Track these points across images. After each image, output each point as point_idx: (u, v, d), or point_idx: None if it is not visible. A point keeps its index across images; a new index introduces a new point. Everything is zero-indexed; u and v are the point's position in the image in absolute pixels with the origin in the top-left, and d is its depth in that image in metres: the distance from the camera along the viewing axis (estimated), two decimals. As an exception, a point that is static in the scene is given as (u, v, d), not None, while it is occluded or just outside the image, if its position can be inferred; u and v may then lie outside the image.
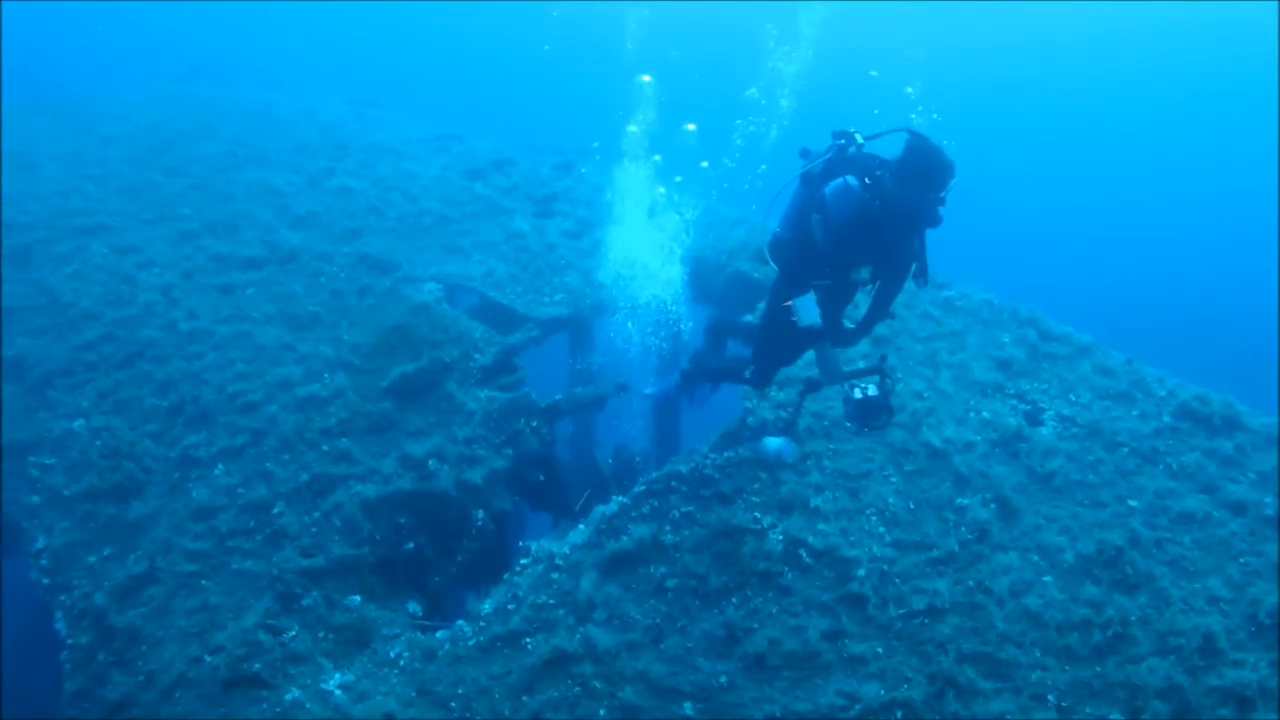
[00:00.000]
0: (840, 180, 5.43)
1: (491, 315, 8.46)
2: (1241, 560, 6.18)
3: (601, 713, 5.37)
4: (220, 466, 7.13)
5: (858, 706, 5.36)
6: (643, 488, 6.57)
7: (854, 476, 6.68)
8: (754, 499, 6.47)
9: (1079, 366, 7.78)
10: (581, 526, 6.44)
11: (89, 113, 13.15)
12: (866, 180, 5.31)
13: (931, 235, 5.59)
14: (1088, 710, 5.33)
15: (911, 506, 6.49)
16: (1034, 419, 7.26)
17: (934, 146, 5.09)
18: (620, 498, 6.59)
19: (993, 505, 6.49)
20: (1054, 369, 7.76)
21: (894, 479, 6.69)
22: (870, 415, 5.75)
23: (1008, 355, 7.83)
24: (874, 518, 6.38)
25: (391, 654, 5.98)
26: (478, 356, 7.70)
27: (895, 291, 5.78)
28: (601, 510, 6.50)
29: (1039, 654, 5.64)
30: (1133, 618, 5.80)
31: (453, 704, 5.56)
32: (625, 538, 6.23)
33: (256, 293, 8.71)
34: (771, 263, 6.01)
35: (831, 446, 6.88)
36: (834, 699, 5.41)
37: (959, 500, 6.53)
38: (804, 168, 5.82)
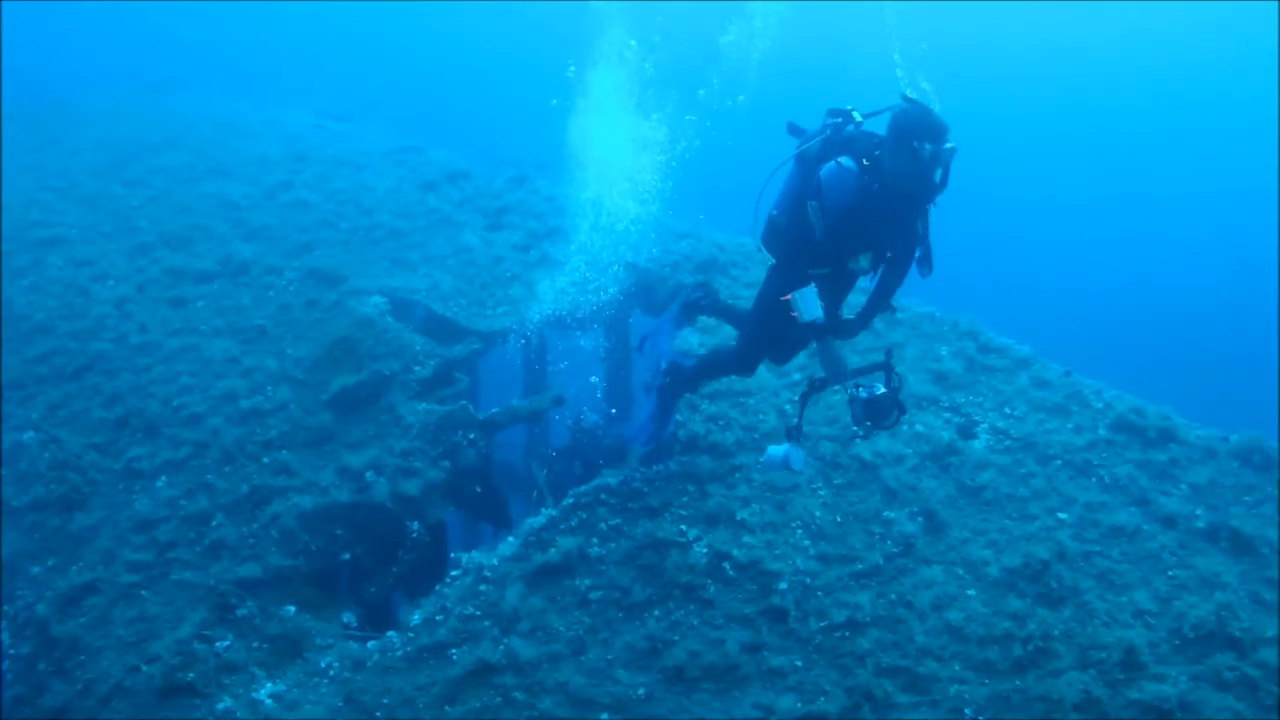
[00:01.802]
0: (833, 163, 5.09)
1: (435, 328, 8.55)
2: (1170, 573, 6.21)
3: (520, 723, 5.47)
4: (163, 478, 7.25)
5: (773, 719, 5.44)
6: (571, 500, 6.65)
7: (782, 490, 6.75)
8: (681, 512, 6.56)
9: (1016, 379, 7.83)
10: (511, 539, 6.52)
11: (60, 122, 13.31)
12: (865, 162, 4.99)
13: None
14: (1004, 723, 5.40)
15: (838, 520, 6.56)
16: (967, 432, 7.32)
17: (925, 107, 4.83)
18: (549, 510, 6.67)
19: (920, 519, 6.55)
20: (990, 381, 7.82)
21: (822, 492, 6.76)
22: (879, 414, 5.32)
23: (945, 368, 7.88)
24: (799, 531, 6.46)
25: (322, 664, 6.09)
26: (417, 369, 7.81)
27: (899, 280, 5.49)
28: (530, 522, 6.58)
29: (958, 668, 5.70)
30: (1055, 631, 5.85)
31: (378, 713, 5.68)
32: (553, 550, 6.32)
33: (207, 306, 8.83)
34: (764, 251, 5.66)
35: (761, 460, 6.94)
36: (750, 712, 5.50)
37: (886, 513, 6.59)
38: (799, 147, 5.47)
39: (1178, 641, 5.78)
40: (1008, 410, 7.53)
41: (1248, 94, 41.50)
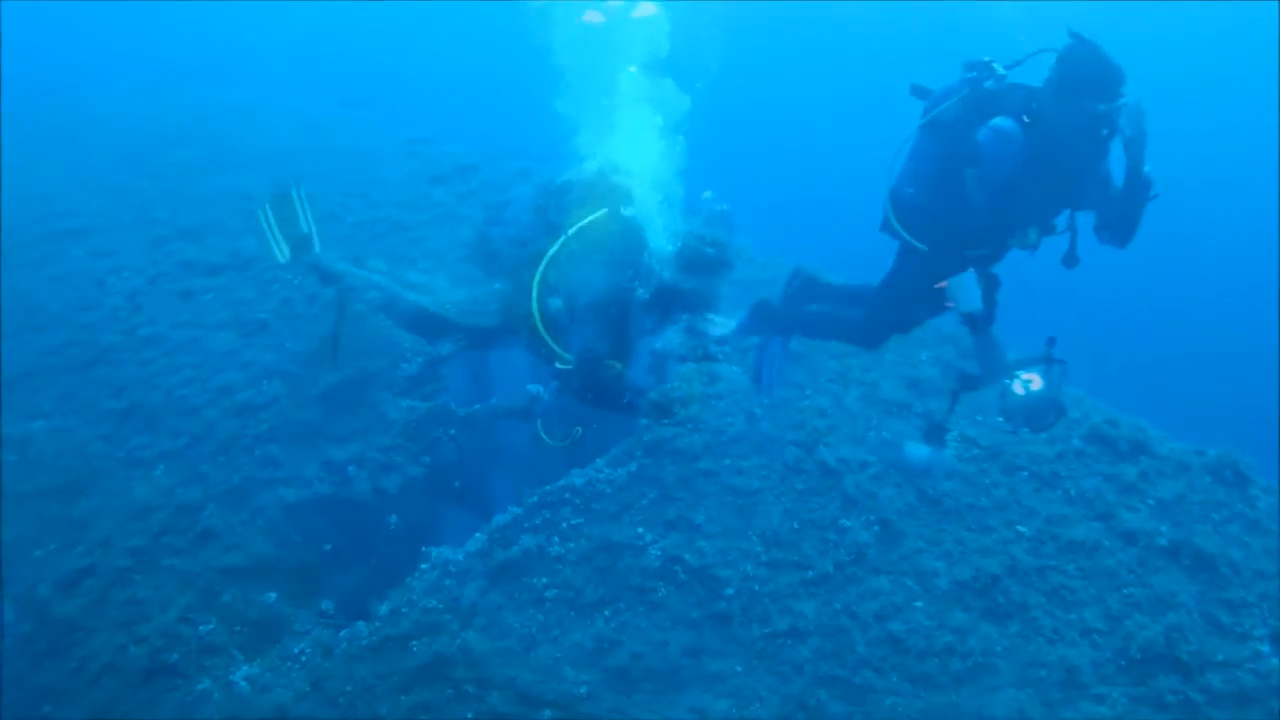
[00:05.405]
0: (989, 128, 4.39)
1: (426, 324, 8.77)
2: (1125, 591, 6.21)
3: (469, 716, 5.73)
4: (161, 467, 7.61)
5: (704, 723, 5.63)
6: (536, 499, 6.85)
7: (744, 494, 6.87)
8: (641, 515, 6.71)
9: (993, 385, 7.78)
10: (478, 535, 6.76)
11: (83, 116, 13.80)
12: (1025, 119, 4.35)
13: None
14: (935, 738, 5.51)
15: (795, 526, 6.65)
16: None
17: (1094, 49, 4.18)
18: (515, 508, 6.89)
19: (875, 527, 6.62)
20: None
21: (784, 498, 6.86)
22: (1035, 415, 4.77)
23: (921, 374, 7.88)
24: (755, 537, 6.57)
25: (295, 649, 6.40)
26: (404, 366, 8.07)
27: (1118, 223, 4.56)
28: (498, 519, 6.80)
29: (895, 679, 5.80)
30: (998, 647, 5.92)
31: (340, 700, 5.96)
32: (515, 547, 6.53)
33: (214, 299, 9.16)
34: (898, 228, 4.92)
35: (726, 463, 7.07)
36: (684, 715, 5.68)
37: (843, 521, 6.68)
38: (928, 113, 4.74)
39: (1124, 662, 5.80)
40: (979, 418, 7.52)
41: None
